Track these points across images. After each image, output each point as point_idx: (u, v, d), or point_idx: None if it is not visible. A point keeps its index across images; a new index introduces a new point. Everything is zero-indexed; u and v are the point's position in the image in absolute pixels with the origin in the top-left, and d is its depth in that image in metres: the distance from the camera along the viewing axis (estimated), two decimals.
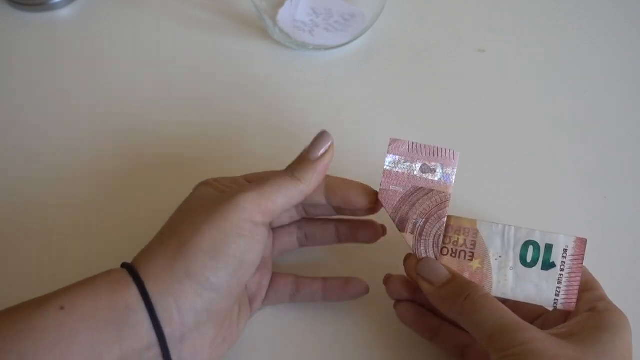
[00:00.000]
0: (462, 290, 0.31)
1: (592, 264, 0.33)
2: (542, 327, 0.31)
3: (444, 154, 0.34)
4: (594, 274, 0.33)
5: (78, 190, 0.42)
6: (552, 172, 0.45)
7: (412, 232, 0.33)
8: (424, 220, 0.33)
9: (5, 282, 0.38)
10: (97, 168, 0.43)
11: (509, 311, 0.30)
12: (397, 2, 0.54)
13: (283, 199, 0.31)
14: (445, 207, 0.33)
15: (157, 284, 0.28)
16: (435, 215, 0.33)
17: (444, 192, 0.33)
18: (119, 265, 0.30)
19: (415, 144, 0.34)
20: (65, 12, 0.54)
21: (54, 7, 0.53)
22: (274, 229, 0.37)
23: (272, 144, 0.45)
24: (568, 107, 0.49)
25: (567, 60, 0.52)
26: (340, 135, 0.45)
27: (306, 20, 0.50)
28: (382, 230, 0.36)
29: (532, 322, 0.32)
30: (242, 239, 0.30)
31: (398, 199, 0.34)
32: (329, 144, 0.34)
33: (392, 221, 0.34)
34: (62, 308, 0.27)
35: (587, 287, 0.32)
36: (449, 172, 0.33)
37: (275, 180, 0.32)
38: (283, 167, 0.43)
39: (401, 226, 0.33)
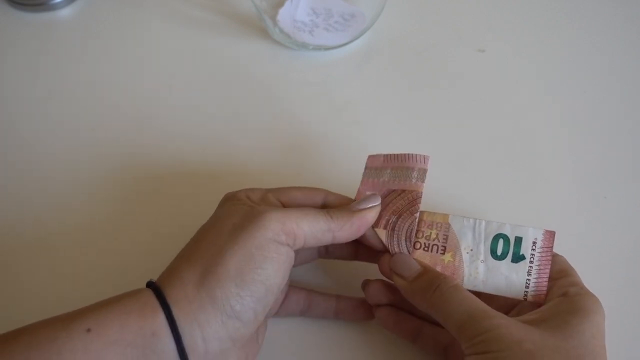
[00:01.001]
0: (432, 282, 0.31)
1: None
2: (518, 315, 0.31)
3: (415, 159, 0.35)
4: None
5: (78, 193, 0.42)
6: (552, 172, 0.45)
7: (385, 228, 0.34)
8: (396, 216, 0.34)
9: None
10: (96, 168, 0.43)
11: (477, 300, 0.30)
12: (397, 2, 0.54)
13: (308, 227, 0.31)
14: (416, 204, 0.34)
15: (183, 312, 0.28)
16: (408, 212, 0.34)
17: (415, 191, 0.34)
18: (141, 279, 0.30)
19: (389, 155, 0.35)
20: (65, 12, 0.54)
21: (54, 7, 0.53)
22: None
23: (272, 144, 0.45)
24: (568, 107, 0.49)
25: (567, 60, 0.52)
26: (340, 135, 0.46)
27: (306, 20, 0.50)
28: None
29: (508, 312, 0.33)
30: (268, 261, 0.29)
31: None
32: (375, 204, 0.33)
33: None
34: (88, 330, 0.27)
35: (562, 275, 0.32)
36: (421, 175, 0.34)
37: (306, 208, 0.32)
38: (283, 166, 0.44)
39: (375, 223, 0.34)
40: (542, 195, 0.43)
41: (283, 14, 0.50)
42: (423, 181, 0.34)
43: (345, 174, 0.39)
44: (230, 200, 0.33)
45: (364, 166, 0.36)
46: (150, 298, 0.28)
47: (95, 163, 0.44)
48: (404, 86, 0.50)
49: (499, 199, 0.43)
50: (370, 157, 0.36)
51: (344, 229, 0.32)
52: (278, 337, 0.36)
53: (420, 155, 0.35)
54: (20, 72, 0.49)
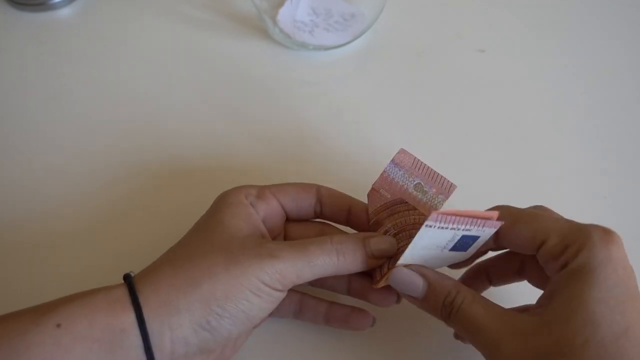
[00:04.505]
0: (445, 301, 0.30)
1: None
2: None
3: (441, 182, 0.34)
4: None
5: (78, 193, 0.42)
6: (552, 172, 0.45)
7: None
8: (395, 231, 0.33)
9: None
10: (96, 168, 0.43)
11: (489, 312, 0.29)
12: (397, 2, 0.54)
13: (310, 275, 0.30)
14: (417, 229, 0.31)
15: (155, 312, 0.28)
16: (407, 233, 0.33)
17: (424, 216, 0.33)
18: (115, 268, 0.30)
19: (419, 162, 0.34)
20: (65, 12, 0.54)
21: (54, 7, 0.53)
22: None
23: (271, 143, 0.45)
24: (568, 107, 0.49)
25: (567, 60, 0.52)
26: (340, 135, 0.46)
27: (306, 20, 0.50)
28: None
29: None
30: (257, 298, 0.29)
31: (382, 203, 0.34)
32: (391, 253, 0.32)
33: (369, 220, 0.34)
34: (58, 325, 0.27)
35: (540, 240, 0.30)
36: (439, 200, 0.33)
37: (315, 250, 0.30)
38: (282, 166, 0.44)
39: (373, 228, 0.34)
40: (542, 195, 0.43)
41: (283, 14, 0.50)
42: (437, 209, 0.32)
43: (345, 174, 0.39)
44: (226, 200, 0.33)
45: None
46: (123, 296, 0.28)
47: (94, 162, 0.44)
48: (404, 86, 0.50)
49: (499, 200, 0.42)
50: (402, 152, 0.34)
51: (351, 270, 0.31)
52: (271, 337, 0.36)
53: (448, 181, 0.34)
54: (19, 71, 0.49)
